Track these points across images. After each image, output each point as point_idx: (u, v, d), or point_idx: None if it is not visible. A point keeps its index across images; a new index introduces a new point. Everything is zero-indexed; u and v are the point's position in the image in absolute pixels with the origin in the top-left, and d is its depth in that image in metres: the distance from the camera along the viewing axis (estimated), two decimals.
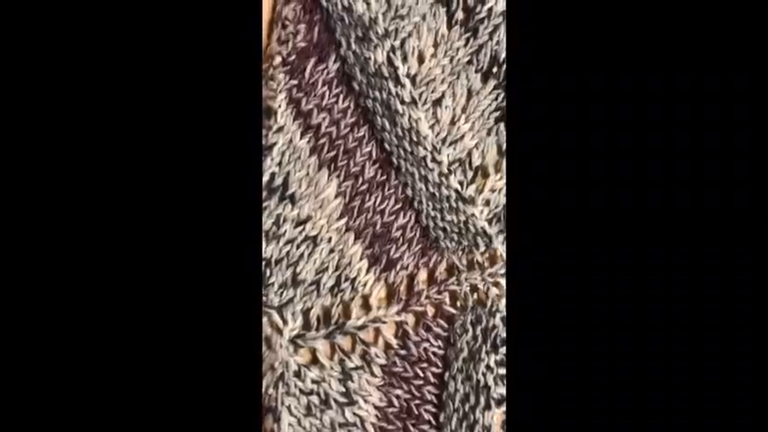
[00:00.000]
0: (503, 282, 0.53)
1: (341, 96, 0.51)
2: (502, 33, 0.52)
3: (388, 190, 0.53)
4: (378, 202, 0.52)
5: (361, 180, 0.52)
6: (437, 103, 0.52)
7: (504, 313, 0.52)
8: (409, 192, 0.52)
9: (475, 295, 0.53)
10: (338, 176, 0.52)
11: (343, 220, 0.52)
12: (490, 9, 0.52)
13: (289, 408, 0.51)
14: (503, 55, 0.52)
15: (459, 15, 0.52)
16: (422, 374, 0.53)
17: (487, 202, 0.53)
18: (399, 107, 0.51)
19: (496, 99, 0.53)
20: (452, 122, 0.53)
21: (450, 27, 0.52)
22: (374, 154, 0.52)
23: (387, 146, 0.52)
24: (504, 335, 0.53)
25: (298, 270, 0.52)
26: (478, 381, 0.53)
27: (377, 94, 0.51)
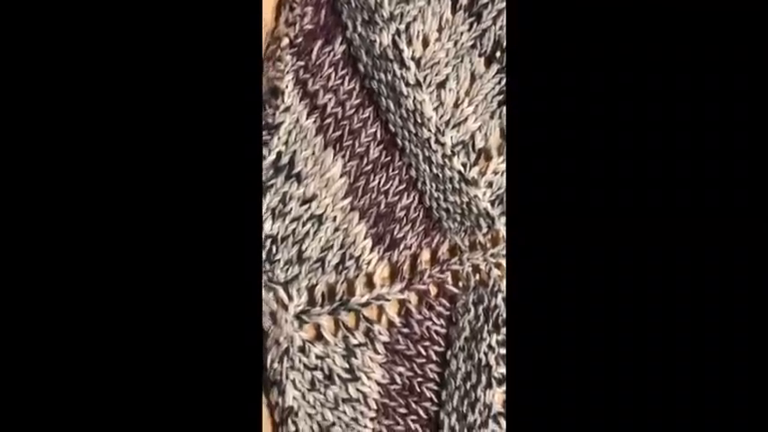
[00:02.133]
0: (504, 262, 0.54)
1: (346, 78, 0.52)
2: (506, 18, 0.53)
3: (393, 170, 0.53)
4: (382, 183, 0.53)
5: (365, 160, 0.53)
6: (441, 85, 0.53)
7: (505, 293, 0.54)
8: (413, 172, 0.53)
9: (477, 275, 0.54)
10: (343, 156, 0.53)
11: (348, 200, 0.53)
12: None
13: (293, 382, 0.52)
14: (506, 39, 0.54)
15: (464, 0, 0.53)
16: (424, 353, 0.54)
17: (490, 185, 0.54)
18: (404, 89, 0.52)
19: (500, 83, 0.54)
20: (456, 105, 0.54)
21: (454, 12, 0.53)
22: (379, 135, 0.53)
23: (391, 127, 0.53)
24: (504, 315, 0.54)
25: (303, 247, 0.53)
26: (480, 360, 0.53)
27: (382, 75, 0.52)
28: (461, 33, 0.53)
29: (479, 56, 0.54)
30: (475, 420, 0.53)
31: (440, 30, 0.53)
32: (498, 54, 0.53)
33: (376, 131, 0.53)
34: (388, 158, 0.53)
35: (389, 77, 0.52)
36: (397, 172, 0.54)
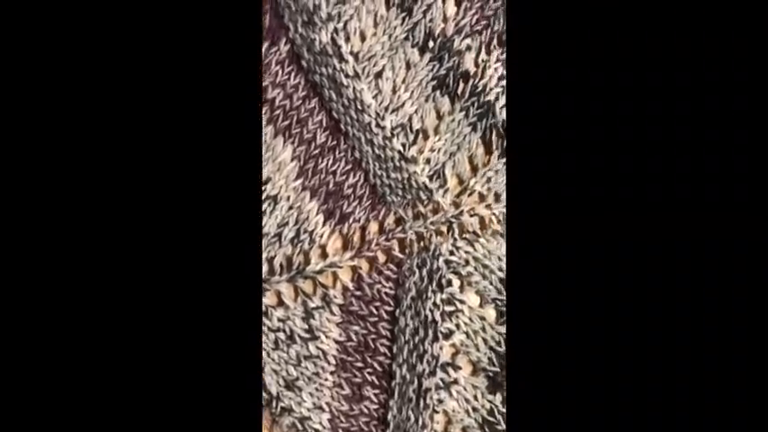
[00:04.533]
0: (444, 228, 0.60)
1: (292, 74, 0.59)
2: (435, 11, 0.59)
3: (339, 153, 0.59)
4: (329, 164, 0.59)
5: (313, 145, 0.59)
6: (378, 75, 0.59)
7: (448, 257, 0.60)
8: (357, 154, 0.59)
9: (421, 242, 0.60)
10: (293, 143, 0.59)
11: (300, 181, 0.59)
12: None
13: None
14: (437, 30, 0.59)
15: None
16: (376, 312, 0.60)
17: (428, 161, 0.60)
18: (344, 80, 0.58)
19: (432, 70, 0.59)
20: (393, 92, 0.59)
21: (387, 8, 0.59)
22: (324, 122, 0.59)
23: (335, 114, 0.59)
24: (448, 276, 0.60)
25: (262, 224, 0.59)
26: (426, 316, 0.59)
27: (323, 69, 0.58)
28: (395, 27, 0.59)
29: (412, 46, 0.59)
30: (423, 370, 0.59)
31: (375, 25, 0.59)
32: (431, 43, 0.60)
33: (321, 119, 0.59)
34: (334, 143, 0.59)
35: (330, 71, 0.58)
36: (342, 154, 0.59)
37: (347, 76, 0.58)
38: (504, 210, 0.59)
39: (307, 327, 0.59)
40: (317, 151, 0.59)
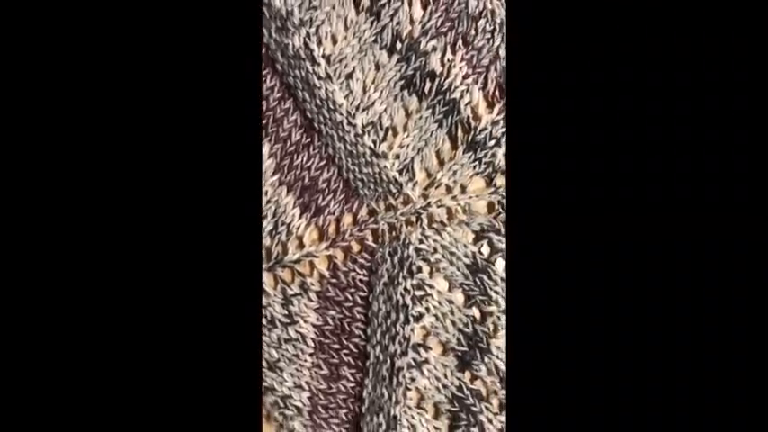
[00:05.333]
0: (414, 219, 0.63)
1: (268, 77, 0.62)
2: (402, 14, 0.62)
3: (313, 150, 0.63)
4: (304, 161, 0.63)
5: (288, 143, 0.63)
6: (349, 76, 0.62)
7: (417, 245, 0.63)
8: (331, 151, 0.63)
9: (393, 232, 0.63)
10: (269, 141, 0.63)
11: (276, 176, 0.63)
12: None
13: None
14: (404, 32, 0.62)
15: (366, 2, 0.62)
16: (351, 298, 0.63)
17: (397, 156, 0.63)
18: (317, 82, 0.62)
19: (400, 70, 0.63)
20: (364, 92, 0.63)
21: (357, 13, 0.63)
22: (299, 121, 0.63)
23: (309, 114, 0.62)
24: (418, 263, 0.63)
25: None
26: (398, 300, 0.63)
27: (297, 72, 0.62)
28: (364, 31, 0.62)
29: (381, 48, 0.63)
30: (395, 350, 0.62)
31: (346, 29, 0.63)
32: (398, 45, 0.63)
33: (296, 119, 0.63)
34: (309, 140, 0.63)
35: (303, 73, 0.62)
36: (317, 151, 0.63)
37: (319, 78, 0.62)
38: (470, 200, 0.63)
39: (286, 312, 0.63)
40: (292, 148, 0.63)
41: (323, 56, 0.62)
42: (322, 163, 0.63)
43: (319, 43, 0.62)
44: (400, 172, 0.63)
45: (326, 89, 0.62)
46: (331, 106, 0.62)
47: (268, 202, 0.63)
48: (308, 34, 0.62)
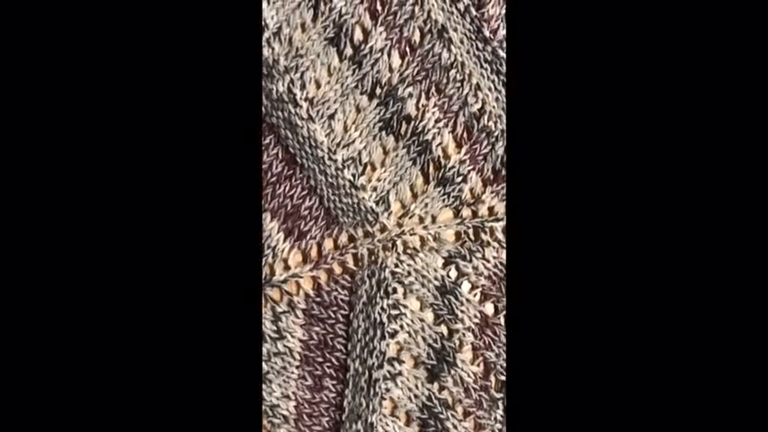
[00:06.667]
0: (390, 245, 0.67)
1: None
2: (381, 64, 0.67)
3: (295, 181, 0.65)
4: (287, 190, 0.65)
5: (270, 174, 0.65)
6: (331, 117, 0.66)
7: (393, 269, 0.67)
8: (312, 182, 0.65)
9: (371, 256, 0.66)
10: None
11: (261, 204, 0.65)
12: (371, 47, 0.67)
13: None
14: (384, 79, 0.67)
15: (348, 51, 0.67)
16: (333, 315, 0.66)
17: (375, 189, 0.66)
18: (299, 122, 0.65)
19: (379, 113, 0.67)
20: (345, 130, 0.66)
21: (341, 60, 0.67)
22: (280, 155, 0.65)
23: (291, 149, 0.65)
24: (393, 285, 0.67)
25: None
26: (375, 318, 0.66)
27: (280, 113, 0.65)
28: (347, 77, 0.67)
29: (362, 93, 0.66)
30: (373, 363, 0.66)
31: (329, 75, 0.67)
32: (378, 91, 0.68)
33: (278, 152, 0.66)
34: (291, 172, 0.66)
35: (286, 114, 0.66)
36: (299, 182, 0.66)
37: (301, 118, 0.66)
38: (440, 229, 0.67)
39: (275, 328, 0.66)
40: (274, 179, 0.66)
41: (305, 98, 0.66)
42: (304, 192, 0.66)
43: (303, 87, 0.66)
44: (377, 203, 0.66)
45: (308, 128, 0.66)
46: (312, 143, 0.66)
47: None
48: (291, 80, 0.66)
